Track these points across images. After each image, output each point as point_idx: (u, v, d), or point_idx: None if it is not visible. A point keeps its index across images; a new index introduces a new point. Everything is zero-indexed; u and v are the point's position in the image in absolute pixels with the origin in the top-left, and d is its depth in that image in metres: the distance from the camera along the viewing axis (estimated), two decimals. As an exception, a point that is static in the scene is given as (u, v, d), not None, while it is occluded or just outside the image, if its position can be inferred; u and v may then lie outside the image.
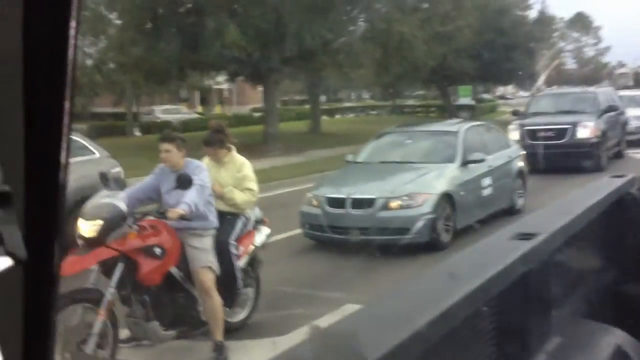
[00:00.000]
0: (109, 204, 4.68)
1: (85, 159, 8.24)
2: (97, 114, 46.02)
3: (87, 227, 4.57)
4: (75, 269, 4.43)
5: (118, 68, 30.32)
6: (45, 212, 0.62)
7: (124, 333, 4.88)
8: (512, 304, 1.98)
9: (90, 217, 4.60)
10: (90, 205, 4.80)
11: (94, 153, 8.39)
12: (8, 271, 0.56)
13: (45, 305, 0.64)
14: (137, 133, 32.12)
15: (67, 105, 0.63)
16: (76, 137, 8.89)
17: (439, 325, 1.55)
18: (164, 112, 41.65)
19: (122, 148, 22.89)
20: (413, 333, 1.45)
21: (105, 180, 5.12)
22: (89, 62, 47.43)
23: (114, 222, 4.58)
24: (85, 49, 47.11)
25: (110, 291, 4.47)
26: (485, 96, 57.43)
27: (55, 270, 0.64)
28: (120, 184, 8.13)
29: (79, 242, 4.66)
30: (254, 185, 5.52)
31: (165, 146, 4.96)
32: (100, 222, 4.54)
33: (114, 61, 29.39)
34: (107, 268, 4.57)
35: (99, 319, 4.39)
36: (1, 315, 0.61)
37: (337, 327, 1.75)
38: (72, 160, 7.44)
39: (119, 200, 4.74)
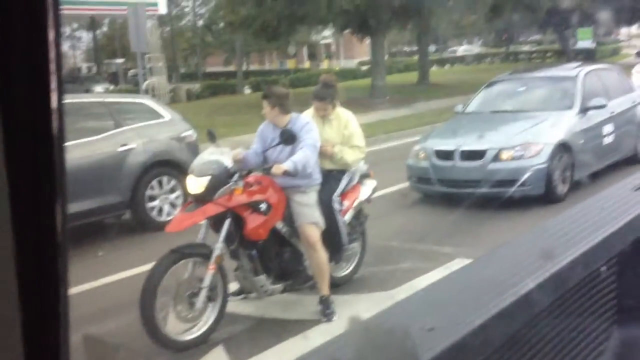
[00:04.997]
0: (216, 161, 4.75)
1: (154, 122, 8.39)
2: (210, 74, 47.50)
3: (195, 184, 4.68)
4: (184, 225, 4.57)
5: (228, 27, 30.85)
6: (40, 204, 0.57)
7: (233, 286, 5.00)
8: (635, 263, 1.77)
9: (198, 174, 4.70)
10: (197, 162, 4.91)
11: (162, 117, 8.53)
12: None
13: (51, 298, 0.59)
14: (247, 91, 32.74)
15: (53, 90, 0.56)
16: (144, 101, 9.02)
17: (549, 288, 1.39)
18: (450, 52, 46.70)
19: (231, 105, 23.47)
20: (520, 297, 1.31)
21: (212, 137, 5.18)
22: (200, 22, 48.85)
23: (220, 179, 4.65)
24: (196, 9, 48.47)
25: (218, 246, 4.56)
26: (614, 37, 53.81)
27: (60, 255, 0.58)
28: (192, 148, 8.29)
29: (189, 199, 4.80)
30: (361, 141, 5.37)
31: (265, 103, 4.94)
32: (207, 178, 4.62)
33: (224, 20, 29.93)
34: (215, 224, 4.67)
35: (209, 273, 4.51)
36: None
37: (438, 286, 1.63)
38: (140, 124, 7.56)
39: (225, 157, 4.79)
